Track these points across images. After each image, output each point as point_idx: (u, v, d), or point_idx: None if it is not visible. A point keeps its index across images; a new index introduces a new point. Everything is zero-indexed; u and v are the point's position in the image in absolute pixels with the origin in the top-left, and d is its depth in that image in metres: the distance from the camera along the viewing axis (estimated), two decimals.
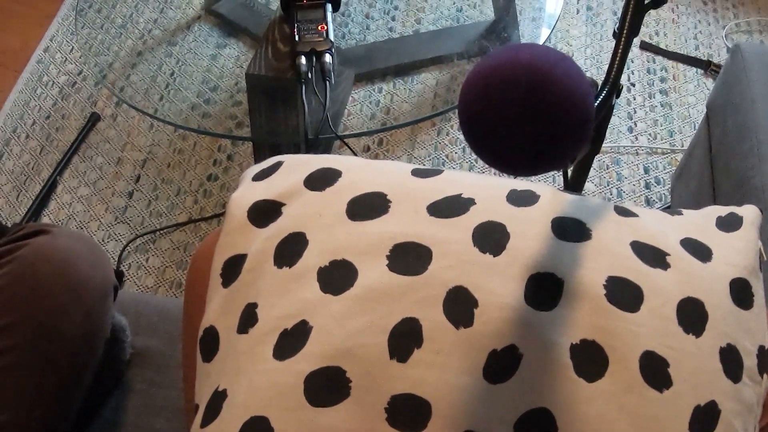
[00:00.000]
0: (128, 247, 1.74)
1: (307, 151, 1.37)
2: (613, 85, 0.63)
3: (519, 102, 0.48)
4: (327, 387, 0.57)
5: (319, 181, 0.68)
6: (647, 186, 1.83)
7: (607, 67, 0.63)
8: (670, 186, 1.81)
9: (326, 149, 1.78)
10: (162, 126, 1.97)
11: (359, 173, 0.68)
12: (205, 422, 0.61)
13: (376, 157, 1.88)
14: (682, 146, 1.90)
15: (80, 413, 0.90)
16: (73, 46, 2.18)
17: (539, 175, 1.29)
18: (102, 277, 0.88)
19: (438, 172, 0.70)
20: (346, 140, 1.63)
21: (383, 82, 1.90)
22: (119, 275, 1.68)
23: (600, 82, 0.63)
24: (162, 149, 1.92)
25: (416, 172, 0.69)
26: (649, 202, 1.80)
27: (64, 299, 0.83)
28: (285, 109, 1.43)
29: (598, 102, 0.58)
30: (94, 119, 1.98)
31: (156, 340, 1.02)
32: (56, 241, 0.85)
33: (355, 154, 1.80)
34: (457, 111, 0.52)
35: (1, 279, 0.82)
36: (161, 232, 1.77)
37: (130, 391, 0.99)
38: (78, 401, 0.87)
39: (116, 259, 1.72)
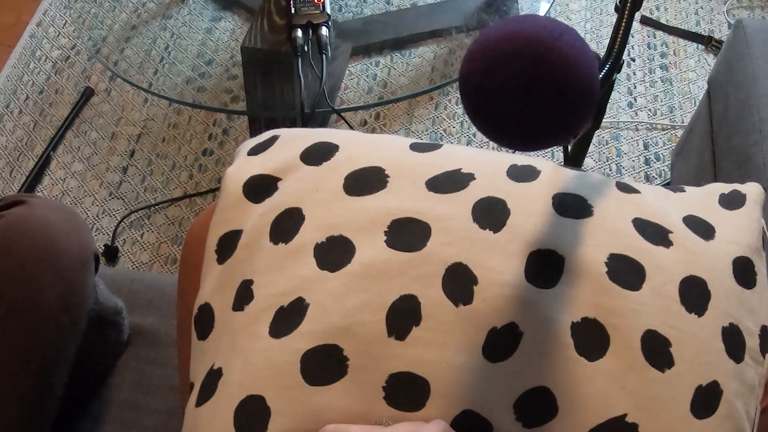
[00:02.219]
0: (123, 223, 1.72)
1: (304, 125, 1.35)
2: (615, 59, 0.61)
3: (522, 75, 0.47)
4: (324, 365, 0.56)
5: (316, 155, 0.67)
6: (647, 162, 1.82)
7: (606, 41, 0.62)
8: (669, 162, 1.80)
9: (323, 123, 1.77)
10: (157, 100, 1.95)
11: (357, 147, 0.67)
12: (201, 401, 0.61)
13: (374, 131, 1.87)
14: (683, 122, 1.89)
15: (76, 390, 0.89)
16: (66, 20, 2.15)
17: (539, 150, 1.28)
18: (79, 246, 0.85)
19: (437, 146, 0.68)
20: (342, 114, 1.61)
21: (380, 55, 1.88)
22: (113, 251, 1.67)
23: (601, 57, 0.61)
24: (157, 124, 1.91)
25: (415, 147, 0.68)
26: (648, 179, 1.79)
27: (40, 271, 0.81)
28: (281, 82, 1.41)
29: (600, 76, 0.57)
30: (87, 94, 1.96)
31: (151, 318, 1.02)
32: (32, 212, 0.84)
33: (352, 129, 1.79)
34: (457, 84, 0.51)
35: None
36: (156, 207, 1.76)
37: (125, 368, 0.98)
38: (62, 375, 0.86)
39: (111, 234, 1.70)
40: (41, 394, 0.83)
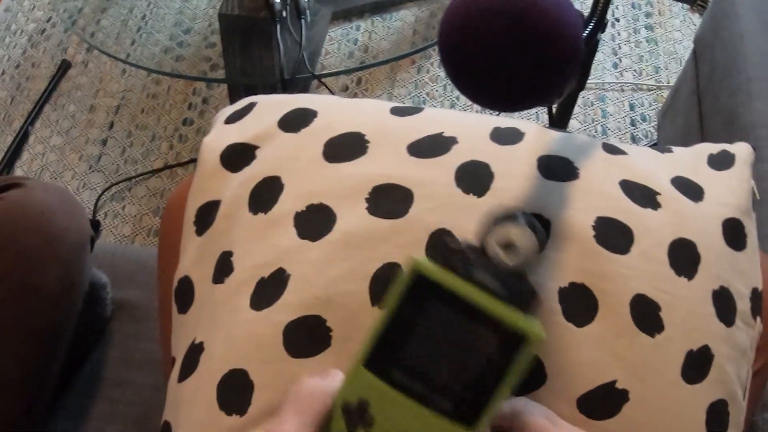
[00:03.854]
0: (103, 196, 1.70)
1: (284, 92, 1.33)
2: (600, 17, 0.59)
3: (504, 32, 0.45)
4: (307, 337, 0.55)
5: (294, 122, 0.65)
6: (633, 123, 1.81)
7: (590, 1, 0.60)
8: (656, 123, 1.79)
9: (303, 89, 1.75)
10: (135, 71, 1.92)
11: (336, 113, 0.65)
12: (183, 376, 0.59)
13: (355, 96, 1.84)
14: (668, 83, 1.88)
15: (62, 369, 0.88)
16: None
17: (522, 112, 1.26)
18: (78, 229, 0.85)
19: (418, 110, 0.67)
20: (323, 80, 1.59)
21: (361, 19, 1.86)
22: (95, 225, 1.65)
23: (584, 16, 0.59)
24: (135, 95, 1.88)
25: (395, 111, 0.66)
26: (635, 140, 1.78)
27: (40, 254, 0.81)
28: (260, 49, 1.39)
29: (585, 34, 0.55)
30: (64, 67, 1.93)
31: (134, 292, 1.00)
32: (31, 195, 0.83)
33: (333, 94, 1.77)
34: (437, 46, 0.49)
35: None
36: (137, 179, 1.73)
37: (110, 344, 0.97)
38: (60, 357, 0.86)
39: (92, 208, 1.68)
40: (39, 377, 0.82)
